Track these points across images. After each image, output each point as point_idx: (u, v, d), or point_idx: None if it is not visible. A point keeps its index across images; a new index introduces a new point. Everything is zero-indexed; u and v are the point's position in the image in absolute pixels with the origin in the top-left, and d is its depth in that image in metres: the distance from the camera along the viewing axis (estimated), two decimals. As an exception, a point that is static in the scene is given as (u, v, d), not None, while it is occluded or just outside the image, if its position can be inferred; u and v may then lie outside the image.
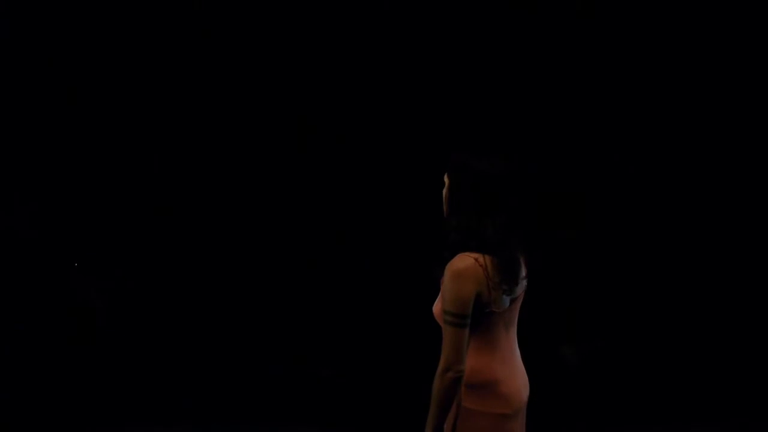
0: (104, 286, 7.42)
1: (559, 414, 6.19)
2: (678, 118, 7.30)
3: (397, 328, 7.01)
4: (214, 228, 7.46)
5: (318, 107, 7.37)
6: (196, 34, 7.28)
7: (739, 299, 7.23)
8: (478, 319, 2.89)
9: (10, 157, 7.27)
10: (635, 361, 7.07)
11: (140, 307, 7.38)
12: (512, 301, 2.97)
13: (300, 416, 6.31)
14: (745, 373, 6.90)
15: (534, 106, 7.28)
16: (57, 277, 7.39)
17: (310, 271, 7.43)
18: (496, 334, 2.95)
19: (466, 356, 2.87)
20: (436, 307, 2.97)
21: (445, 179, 3.02)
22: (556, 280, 6.94)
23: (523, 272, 3.01)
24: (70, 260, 7.41)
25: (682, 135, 7.32)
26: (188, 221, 7.47)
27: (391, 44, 7.26)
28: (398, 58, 7.27)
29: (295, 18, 7.26)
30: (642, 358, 7.09)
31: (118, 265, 7.45)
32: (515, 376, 2.99)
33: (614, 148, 7.43)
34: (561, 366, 7.08)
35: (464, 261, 2.87)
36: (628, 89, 7.27)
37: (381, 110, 7.36)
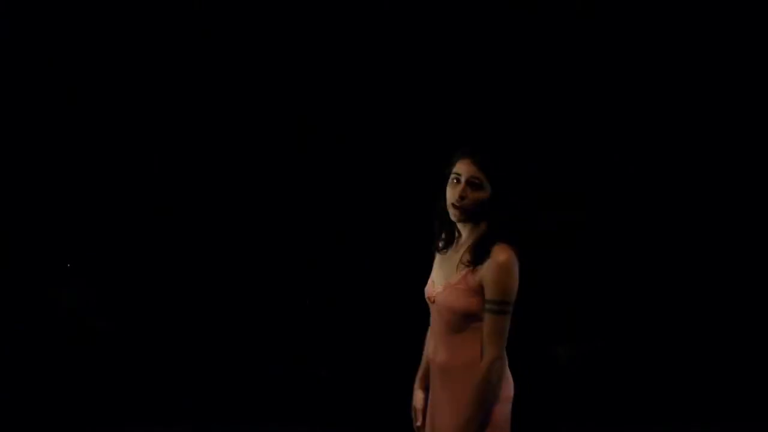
0: (104, 286, 7.42)
1: (558, 414, 6.19)
2: (678, 118, 7.30)
3: (397, 328, 7.01)
4: (214, 228, 7.46)
5: (318, 107, 7.36)
6: (196, 34, 7.28)
7: (739, 299, 7.23)
8: None
9: (10, 157, 7.26)
10: (635, 361, 7.07)
11: (140, 307, 7.37)
12: None
13: (300, 416, 6.31)
14: (745, 373, 6.90)
15: (534, 106, 7.28)
16: (57, 277, 7.39)
17: (310, 271, 7.43)
18: None
19: None
20: (464, 301, 2.98)
21: (479, 177, 3.00)
22: (555, 280, 6.94)
23: None
24: (70, 260, 7.41)
25: (682, 135, 7.31)
26: (188, 221, 7.47)
27: (391, 44, 7.26)
28: (398, 58, 7.27)
29: (295, 18, 7.26)
30: (641, 359, 7.08)
31: (118, 265, 7.45)
32: None
33: (614, 148, 7.43)
34: (560, 366, 7.08)
35: (511, 251, 2.93)
36: (628, 89, 7.27)
37: (381, 110, 7.36)
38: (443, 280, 3.06)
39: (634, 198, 7.36)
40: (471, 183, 2.97)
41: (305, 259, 7.44)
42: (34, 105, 7.25)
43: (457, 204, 2.98)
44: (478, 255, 2.94)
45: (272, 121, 7.43)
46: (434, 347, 3.10)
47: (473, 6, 7.17)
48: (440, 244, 3.14)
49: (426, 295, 3.13)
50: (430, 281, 3.15)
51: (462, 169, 2.99)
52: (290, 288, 7.44)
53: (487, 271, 2.92)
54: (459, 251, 3.05)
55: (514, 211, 2.98)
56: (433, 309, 3.11)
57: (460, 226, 3.07)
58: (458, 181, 2.99)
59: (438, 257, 3.16)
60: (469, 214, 2.99)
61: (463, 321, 2.97)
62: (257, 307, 7.38)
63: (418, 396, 3.22)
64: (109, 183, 7.42)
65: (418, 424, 3.20)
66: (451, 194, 3.01)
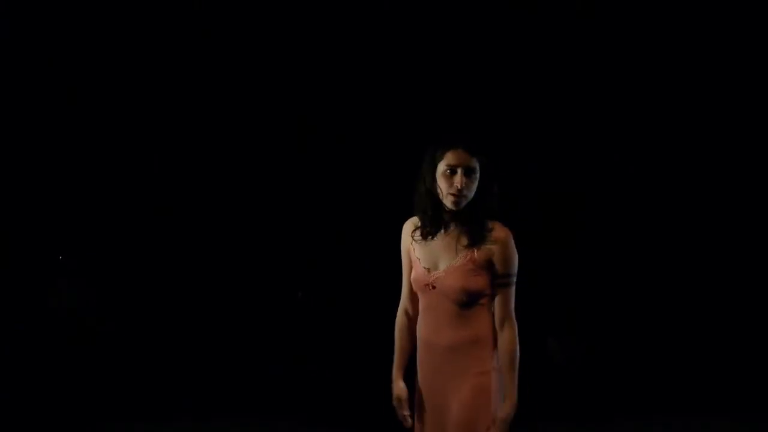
0: (104, 286, 7.42)
1: (558, 414, 6.20)
2: (678, 118, 7.31)
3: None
4: (214, 228, 7.47)
5: (318, 107, 7.37)
6: (196, 34, 7.29)
7: (739, 298, 7.24)
8: None
9: (10, 156, 7.27)
10: (634, 360, 7.08)
11: (140, 307, 7.38)
12: None
13: (300, 416, 6.31)
14: (744, 372, 6.90)
15: (534, 107, 7.29)
16: (57, 277, 7.39)
17: (310, 271, 7.43)
18: None
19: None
20: (474, 280, 3.04)
21: (473, 164, 3.09)
22: (555, 280, 6.94)
23: None
24: (70, 261, 7.41)
25: (682, 135, 7.32)
26: (188, 221, 7.48)
27: (391, 44, 7.26)
28: (398, 59, 7.27)
29: (295, 18, 7.26)
30: (640, 358, 7.09)
31: (118, 265, 7.45)
32: None
33: (614, 148, 7.44)
34: (558, 365, 7.08)
35: (507, 228, 3.09)
36: (628, 89, 7.28)
37: (381, 110, 7.37)
38: (444, 264, 3.09)
39: (634, 198, 7.36)
40: (467, 172, 3.05)
41: (305, 259, 7.44)
42: (34, 105, 7.26)
43: (458, 194, 3.04)
44: (478, 235, 3.04)
45: (272, 121, 7.43)
46: (435, 330, 3.12)
47: (473, 6, 7.17)
48: (425, 231, 3.18)
49: (422, 283, 3.14)
50: (419, 269, 3.16)
51: (456, 159, 3.07)
52: (291, 288, 7.44)
53: (494, 249, 3.05)
54: (451, 235, 3.10)
55: (499, 189, 3.11)
56: (431, 294, 3.12)
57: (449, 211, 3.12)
58: (453, 172, 3.05)
59: (421, 245, 3.18)
60: (466, 200, 3.04)
61: (472, 298, 3.06)
62: (257, 306, 7.38)
63: (401, 386, 3.23)
64: (109, 183, 7.42)
65: (407, 413, 3.19)
66: (449, 186, 3.06)
